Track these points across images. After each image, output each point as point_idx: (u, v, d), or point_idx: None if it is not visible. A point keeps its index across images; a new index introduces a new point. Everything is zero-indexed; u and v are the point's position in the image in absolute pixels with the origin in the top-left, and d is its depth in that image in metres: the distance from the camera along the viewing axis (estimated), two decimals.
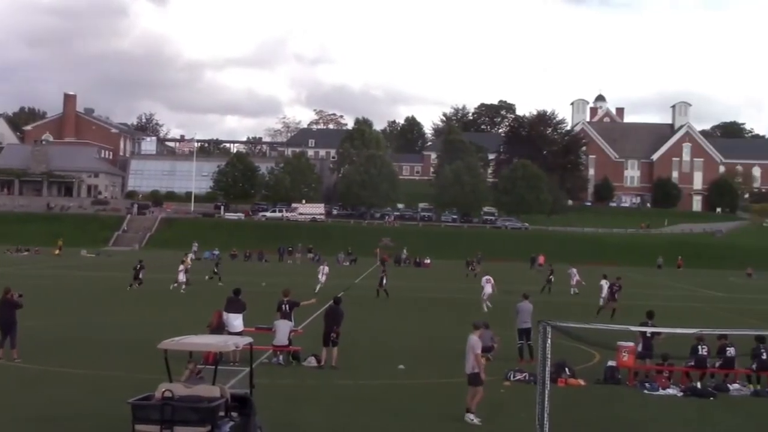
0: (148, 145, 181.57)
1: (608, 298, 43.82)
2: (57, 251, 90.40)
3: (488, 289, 46.05)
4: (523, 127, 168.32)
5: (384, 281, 49.31)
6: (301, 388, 20.96)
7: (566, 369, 22.87)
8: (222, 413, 13.64)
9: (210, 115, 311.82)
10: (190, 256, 70.12)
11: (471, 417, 17.82)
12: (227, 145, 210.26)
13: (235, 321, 24.82)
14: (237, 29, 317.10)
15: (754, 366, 23.48)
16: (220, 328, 23.66)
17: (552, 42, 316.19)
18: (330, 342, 24.33)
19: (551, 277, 57.63)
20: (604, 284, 45.39)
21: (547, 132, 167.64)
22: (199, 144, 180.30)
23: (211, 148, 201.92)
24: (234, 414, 14.04)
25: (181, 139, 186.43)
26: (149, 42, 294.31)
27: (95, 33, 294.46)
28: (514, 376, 22.88)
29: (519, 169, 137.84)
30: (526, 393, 19.85)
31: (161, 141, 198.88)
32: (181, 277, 50.10)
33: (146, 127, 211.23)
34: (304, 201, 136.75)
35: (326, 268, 52.93)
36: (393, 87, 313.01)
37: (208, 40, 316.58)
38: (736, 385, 23.10)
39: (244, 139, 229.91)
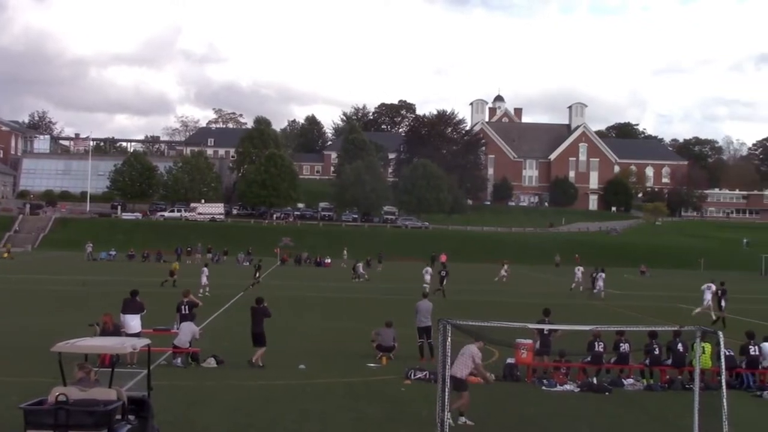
0: (41, 143, 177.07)
1: (713, 306, 42.67)
2: None
3: (427, 278, 54.94)
4: (423, 127, 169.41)
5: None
6: (201, 390, 20.67)
7: None
8: (118, 416, 13.33)
9: (98, 113, 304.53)
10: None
11: (463, 419, 17.74)
12: (124, 143, 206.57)
13: (132, 322, 24.36)
14: (122, 26, 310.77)
15: (647, 361, 24.06)
16: (115, 330, 23.16)
17: (449, 43, 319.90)
18: (258, 342, 24.22)
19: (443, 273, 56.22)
20: (707, 290, 44.33)
21: (447, 132, 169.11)
22: (95, 143, 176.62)
23: (107, 147, 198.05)
24: (131, 417, 13.75)
25: (76, 138, 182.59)
26: (31, 38, 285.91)
27: None
28: (414, 375, 22.94)
29: (419, 169, 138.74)
30: (427, 391, 19.95)
31: (55, 139, 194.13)
32: (204, 280, 49.05)
33: (39, 126, 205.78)
34: (203, 201, 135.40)
35: (206, 270, 51.59)
36: (286, 86, 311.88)
37: (92, 36, 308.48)
38: (630, 380, 23.60)
39: (142, 137, 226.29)
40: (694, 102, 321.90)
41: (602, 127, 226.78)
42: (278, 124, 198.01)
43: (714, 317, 41.08)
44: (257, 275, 59.23)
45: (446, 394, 14.31)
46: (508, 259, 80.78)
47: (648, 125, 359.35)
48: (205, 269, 51.02)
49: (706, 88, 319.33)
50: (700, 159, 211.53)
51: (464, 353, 17.76)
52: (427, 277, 56.75)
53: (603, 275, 57.19)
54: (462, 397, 17.75)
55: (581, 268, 63.85)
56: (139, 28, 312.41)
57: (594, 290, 56.58)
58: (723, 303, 41.95)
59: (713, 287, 44.16)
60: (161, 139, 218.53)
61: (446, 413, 17.39)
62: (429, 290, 51.25)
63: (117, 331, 23.18)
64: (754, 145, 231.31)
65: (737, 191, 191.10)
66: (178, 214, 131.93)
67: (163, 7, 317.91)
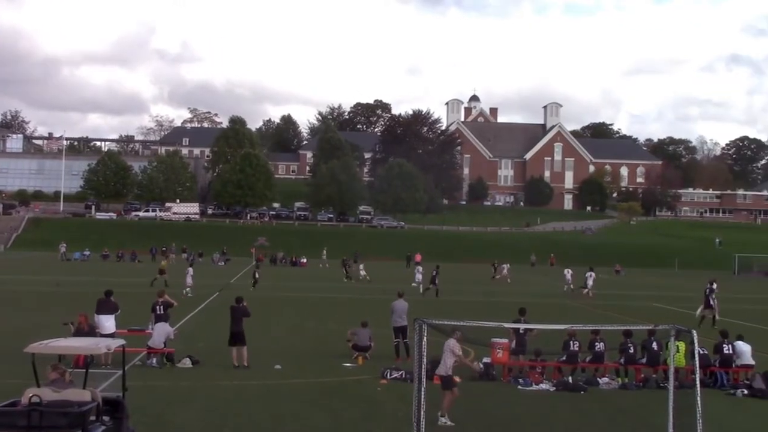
0: (14, 142, 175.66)
1: (703, 304, 42.53)
2: None
3: (419, 276, 56.68)
4: (398, 127, 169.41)
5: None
6: (176, 390, 20.57)
7: None
8: (93, 418, 13.22)
9: (72, 113, 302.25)
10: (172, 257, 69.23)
11: (444, 420, 17.61)
12: (98, 143, 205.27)
13: (107, 322, 24.23)
14: (95, 24, 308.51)
15: (622, 360, 24.17)
16: (90, 331, 23.00)
17: (424, 43, 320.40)
18: (237, 341, 24.08)
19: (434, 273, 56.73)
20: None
21: (423, 131, 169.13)
22: (69, 142, 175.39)
23: (80, 147, 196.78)
24: (106, 418, 13.64)
25: (49, 137, 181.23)
26: (2, 36, 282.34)
27: None
28: (390, 374, 22.93)
29: (395, 169, 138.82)
30: (403, 390, 19.95)
31: (28, 139, 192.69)
32: (189, 280, 49.49)
33: (12, 125, 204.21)
34: (178, 200, 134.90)
35: (191, 270, 51.88)
36: (261, 85, 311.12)
37: (65, 35, 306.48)
38: (605, 379, 23.69)
39: (116, 137, 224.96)
40: (667, 102, 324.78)
41: (577, 127, 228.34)
42: (253, 124, 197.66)
43: (700, 315, 40.99)
44: (256, 275, 59.31)
45: (422, 393, 14.30)
46: (500, 259, 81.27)
47: (622, 125, 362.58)
48: (190, 269, 51.44)
49: (678, 88, 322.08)
50: (674, 159, 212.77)
51: (444, 350, 17.83)
52: (419, 276, 57.02)
53: (593, 275, 58.08)
54: (448, 395, 17.78)
55: (570, 270, 64.42)
56: (113, 27, 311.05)
57: (584, 290, 57.07)
58: (713, 301, 42.17)
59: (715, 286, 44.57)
60: (136, 138, 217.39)
61: (438, 413, 17.48)
62: (422, 289, 52.94)
63: (92, 331, 23.01)
64: (727, 145, 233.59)
65: (711, 191, 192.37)
66: (153, 214, 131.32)
67: (137, 6, 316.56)
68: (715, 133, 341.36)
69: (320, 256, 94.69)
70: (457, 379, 18.22)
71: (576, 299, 54.20)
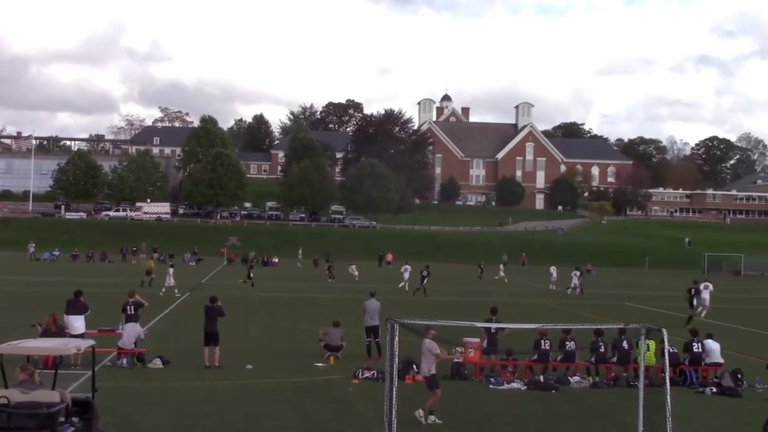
0: None
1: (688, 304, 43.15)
2: None
3: (406, 275, 56.94)
4: (370, 126, 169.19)
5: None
6: (146, 391, 20.46)
7: (414, 366, 22.99)
8: (62, 419, 13.13)
9: (40, 111, 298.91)
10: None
11: (432, 418, 17.77)
12: (68, 142, 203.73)
13: (77, 323, 24.03)
14: (63, 23, 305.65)
15: (593, 359, 24.29)
16: (58, 331, 22.81)
17: (396, 42, 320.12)
18: (211, 341, 23.97)
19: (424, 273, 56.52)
20: (704, 290, 44.84)
21: (395, 131, 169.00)
22: (38, 141, 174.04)
23: (50, 146, 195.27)
24: (75, 419, 13.55)
25: (18, 136, 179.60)
26: None
27: None
28: (362, 374, 22.92)
29: (366, 168, 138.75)
30: (375, 390, 19.95)
31: None
32: (171, 281, 49.55)
33: None
34: (149, 200, 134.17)
35: (171, 270, 52.04)
36: (231, 84, 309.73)
37: (33, 33, 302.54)
38: (576, 378, 23.80)
39: (86, 136, 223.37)
40: (637, 102, 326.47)
41: (549, 126, 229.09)
42: (225, 123, 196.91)
43: (692, 314, 41.09)
44: (250, 275, 59.38)
45: (394, 393, 14.29)
46: (486, 260, 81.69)
47: (593, 125, 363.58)
48: (171, 270, 51.55)
49: (648, 88, 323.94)
50: (644, 159, 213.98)
51: (423, 351, 17.91)
52: (406, 275, 57.13)
53: (578, 273, 59.15)
54: (432, 395, 17.84)
55: (555, 268, 65.64)
56: (82, 25, 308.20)
57: (568, 289, 57.75)
58: (695, 302, 42.45)
59: (711, 286, 44.87)
60: (106, 137, 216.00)
61: (418, 412, 17.51)
62: (408, 288, 53.15)
63: (60, 332, 22.82)
64: (696, 145, 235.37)
65: (681, 191, 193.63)
66: (124, 214, 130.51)
67: (106, 4, 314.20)
68: (684, 133, 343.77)
69: (296, 255, 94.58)
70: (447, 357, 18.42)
71: (557, 299, 54.41)
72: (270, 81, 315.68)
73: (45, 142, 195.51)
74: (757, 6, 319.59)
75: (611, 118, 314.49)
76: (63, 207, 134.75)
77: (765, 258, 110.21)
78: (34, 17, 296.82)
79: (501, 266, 76.87)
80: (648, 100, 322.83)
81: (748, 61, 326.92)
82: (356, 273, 67.86)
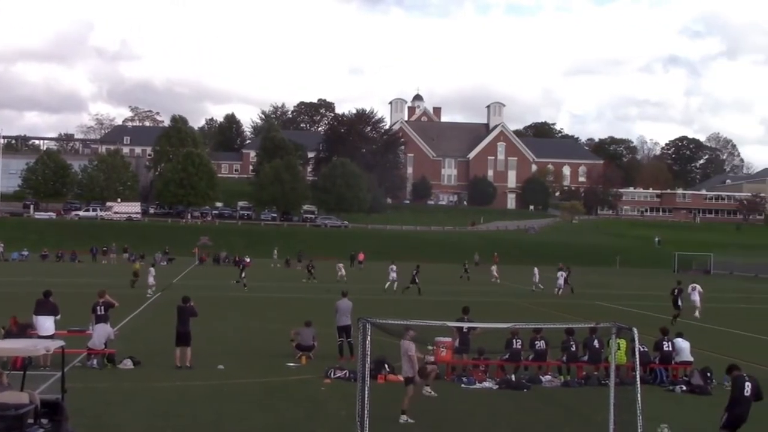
0: None
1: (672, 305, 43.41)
2: None
3: (393, 275, 57.03)
4: (342, 126, 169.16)
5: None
6: (117, 391, 20.32)
7: (386, 365, 23.01)
8: (31, 420, 13.03)
9: (7, 110, 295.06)
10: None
11: (404, 418, 17.84)
12: (36, 141, 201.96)
13: (46, 323, 23.80)
14: (30, 21, 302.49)
15: (564, 358, 24.39)
16: (20, 332, 22.63)
17: (367, 42, 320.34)
18: (183, 341, 23.84)
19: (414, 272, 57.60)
20: (693, 291, 45.54)
21: (366, 131, 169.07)
22: (6, 140, 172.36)
23: (18, 145, 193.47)
24: (44, 421, 13.44)
25: None
26: None
27: None
28: (334, 374, 22.89)
29: (338, 168, 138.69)
30: (347, 390, 19.92)
31: None
32: (151, 280, 50.33)
33: None
34: (119, 200, 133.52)
35: (153, 270, 52.36)
36: (201, 84, 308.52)
37: None
38: (547, 377, 23.88)
39: (55, 135, 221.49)
40: (607, 102, 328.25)
41: (520, 126, 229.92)
42: (195, 123, 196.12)
43: (675, 315, 41.31)
44: (242, 275, 59.26)
45: (366, 393, 14.28)
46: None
47: (563, 125, 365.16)
48: (152, 269, 52.29)
49: (617, 88, 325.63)
50: (615, 158, 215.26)
51: (402, 354, 17.98)
52: (393, 275, 57.32)
53: (564, 274, 59.82)
54: (408, 392, 17.95)
55: (538, 269, 66.10)
56: (50, 23, 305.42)
57: (558, 290, 58.16)
58: (680, 302, 42.63)
59: (698, 287, 45.23)
60: (76, 137, 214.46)
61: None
62: (396, 288, 53.50)
63: (22, 332, 22.64)
64: (667, 144, 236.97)
65: (651, 190, 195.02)
66: (93, 214, 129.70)
67: (74, 3, 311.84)
68: (654, 133, 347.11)
69: (269, 255, 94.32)
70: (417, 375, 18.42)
71: (539, 299, 54.58)
72: (240, 80, 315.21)
73: (13, 141, 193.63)
74: (723, 7, 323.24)
75: (581, 118, 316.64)
76: (32, 207, 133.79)
77: (734, 257, 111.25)
78: (1, 15, 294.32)
79: (494, 267, 76.56)
80: (617, 100, 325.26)
81: (716, 61, 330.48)
82: (343, 272, 67.49)
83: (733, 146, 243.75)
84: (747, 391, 14.83)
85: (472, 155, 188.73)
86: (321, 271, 69.10)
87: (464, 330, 23.86)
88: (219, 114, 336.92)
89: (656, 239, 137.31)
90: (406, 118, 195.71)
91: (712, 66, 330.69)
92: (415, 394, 18.13)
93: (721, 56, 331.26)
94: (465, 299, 41.76)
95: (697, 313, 43.63)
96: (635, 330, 15.05)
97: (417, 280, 55.54)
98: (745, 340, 34.82)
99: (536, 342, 24.20)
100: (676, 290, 43.55)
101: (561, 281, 58.38)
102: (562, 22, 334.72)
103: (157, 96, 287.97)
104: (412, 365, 18.12)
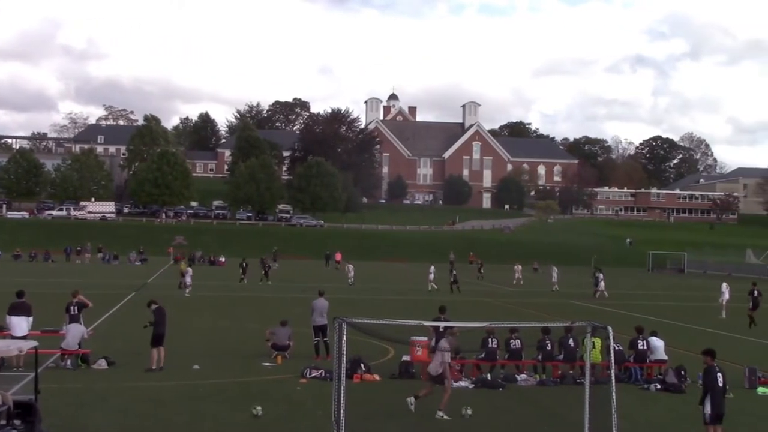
0: None
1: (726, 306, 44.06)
2: None
3: (431, 276, 58.68)
4: (317, 125, 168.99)
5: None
6: (91, 392, 20.19)
7: (362, 365, 23.01)
8: (3, 421, 12.94)
9: None
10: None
11: (440, 413, 18.53)
12: (9, 140, 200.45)
13: (20, 324, 23.62)
14: None
15: (539, 357, 24.46)
16: None
17: (341, 41, 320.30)
18: (159, 343, 23.71)
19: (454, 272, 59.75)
20: (725, 288, 45.51)
21: (342, 130, 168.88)
22: None
23: None
24: (17, 422, 13.35)
25: None
26: None
27: None
28: (310, 373, 22.85)
29: (313, 167, 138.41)
30: (323, 389, 19.89)
31: None
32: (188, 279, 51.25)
33: None
34: (93, 199, 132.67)
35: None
36: (170, 82, 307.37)
37: None
38: (523, 376, 23.95)
39: (27, 134, 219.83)
40: (577, 102, 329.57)
41: (495, 126, 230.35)
42: (167, 121, 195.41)
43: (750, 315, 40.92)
44: (243, 275, 59.04)
45: (342, 392, 14.26)
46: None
47: (536, 125, 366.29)
48: (190, 269, 53.19)
49: (586, 88, 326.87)
50: (590, 158, 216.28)
51: (438, 350, 18.80)
52: (432, 276, 59.39)
53: (556, 270, 64.17)
54: (426, 388, 18.67)
55: (520, 267, 67.60)
56: (15, 21, 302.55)
57: (596, 293, 57.88)
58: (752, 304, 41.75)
59: (725, 287, 45.41)
60: (49, 136, 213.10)
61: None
62: (436, 287, 56.90)
63: None
64: (641, 144, 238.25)
65: (625, 189, 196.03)
66: (67, 213, 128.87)
67: (40, 1, 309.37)
68: (623, 132, 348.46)
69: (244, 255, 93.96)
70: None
71: (562, 299, 54.85)
72: (211, 79, 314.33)
73: None
74: (687, 8, 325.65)
75: (552, 118, 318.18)
76: (4, 206, 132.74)
77: (707, 256, 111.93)
78: None
79: (518, 267, 74.66)
80: (586, 99, 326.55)
81: (680, 62, 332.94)
82: (352, 273, 63.92)
83: (707, 146, 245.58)
84: (720, 382, 15.11)
85: (447, 155, 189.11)
86: (296, 270, 68.88)
87: (440, 329, 23.88)
88: (190, 113, 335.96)
89: (627, 240, 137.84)
90: (381, 118, 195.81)
91: (677, 66, 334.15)
92: (428, 393, 18.83)
93: (685, 57, 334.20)
94: (467, 298, 41.81)
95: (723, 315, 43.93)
96: (610, 329, 15.12)
97: (458, 279, 58.39)
98: (720, 339, 35.03)
99: (511, 341, 24.27)
100: (754, 291, 42.04)
101: (602, 284, 57.39)
102: (533, 23, 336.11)
103: (125, 95, 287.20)
104: (444, 370, 18.64)
